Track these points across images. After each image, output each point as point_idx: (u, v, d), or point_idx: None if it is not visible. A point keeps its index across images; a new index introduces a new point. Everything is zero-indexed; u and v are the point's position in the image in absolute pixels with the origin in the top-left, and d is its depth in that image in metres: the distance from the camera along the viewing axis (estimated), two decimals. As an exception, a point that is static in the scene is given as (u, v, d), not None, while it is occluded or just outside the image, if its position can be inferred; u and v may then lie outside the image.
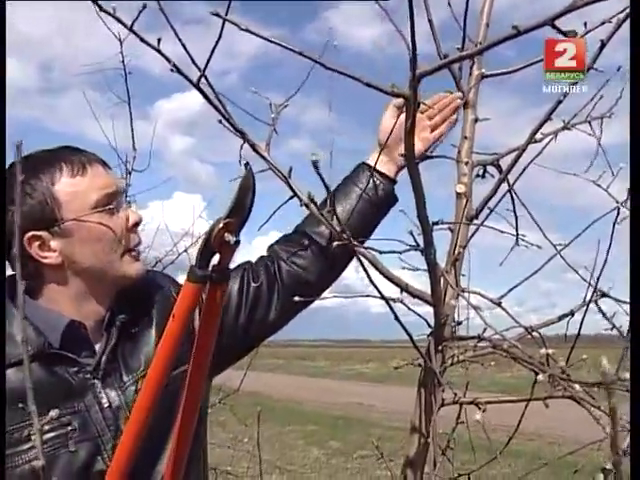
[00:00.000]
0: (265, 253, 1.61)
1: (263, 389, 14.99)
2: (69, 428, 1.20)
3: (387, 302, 1.21)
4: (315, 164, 1.07)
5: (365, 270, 1.26)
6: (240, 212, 1.06)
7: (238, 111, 1.42)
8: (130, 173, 2.92)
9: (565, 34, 0.82)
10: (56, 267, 1.27)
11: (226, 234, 1.03)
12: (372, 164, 1.58)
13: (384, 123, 1.58)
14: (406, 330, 1.29)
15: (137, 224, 1.35)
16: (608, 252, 1.47)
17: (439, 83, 1.61)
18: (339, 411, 15.73)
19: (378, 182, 1.57)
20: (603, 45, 1.35)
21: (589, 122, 1.85)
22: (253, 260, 1.60)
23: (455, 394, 1.50)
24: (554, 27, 0.81)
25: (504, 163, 1.59)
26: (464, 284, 1.56)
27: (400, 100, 1.41)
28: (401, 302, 1.25)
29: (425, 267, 1.31)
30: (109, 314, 1.32)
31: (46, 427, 1.16)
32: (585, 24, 1.21)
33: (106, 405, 1.25)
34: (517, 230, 1.82)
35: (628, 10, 1.25)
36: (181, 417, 1.18)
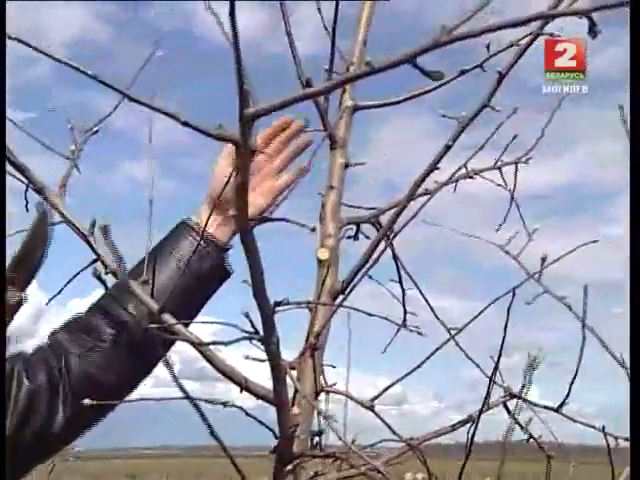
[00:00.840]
0: (47, 341, 1.58)
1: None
2: None
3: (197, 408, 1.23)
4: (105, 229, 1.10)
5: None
6: (27, 265, 1.09)
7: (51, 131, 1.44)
8: None
9: (429, 75, 0.90)
10: None
11: (9, 290, 1.05)
12: (198, 224, 1.60)
13: (217, 173, 1.60)
14: (223, 446, 1.31)
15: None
16: (503, 341, 1.55)
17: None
18: None
19: (205, 250, 1.57)
20: (502, 77, 1.48)
21: (499, 168, 2.00)
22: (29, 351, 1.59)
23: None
24: (415, 66, 0.89)
25: (385, 218, 1.67)
26: (337, 374, 1.61)
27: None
28: (233, 405, 1.28)
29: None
30: None
31: None
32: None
33: None
34: (404, 307, 1.90)
35: (531, 35, 1.40)
36: None
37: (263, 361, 1.42)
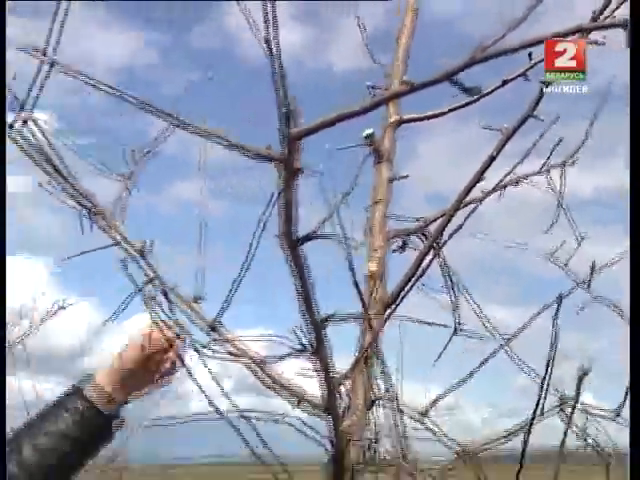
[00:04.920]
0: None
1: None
2: None
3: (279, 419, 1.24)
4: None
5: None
6: None
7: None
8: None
9: (467, 91, 0.91)
10: None
11: None
12: (89, 389, 1.61)
13: (130, 345, 1.61)
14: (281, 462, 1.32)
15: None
16: (555, 348, 1.53)
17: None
18: None
19: (90, 417, 1.59)
20: (545, 86, 1.47)
21: (547, 171, 1.98)
22: None
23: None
24: (454, 83, 0.90)
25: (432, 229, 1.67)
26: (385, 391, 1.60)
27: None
28: (285, 418, 1.29)
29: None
30: None
31: None
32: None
33: None
34: (456, 317, 1.88)
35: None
36: None
37: (312, 376, 1.44)
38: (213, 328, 1.40)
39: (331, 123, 1.00)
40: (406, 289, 1.59)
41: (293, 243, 1.08)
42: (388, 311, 1.60)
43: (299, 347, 1.23)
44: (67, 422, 1.56)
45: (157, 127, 1.68)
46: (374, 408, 1.58)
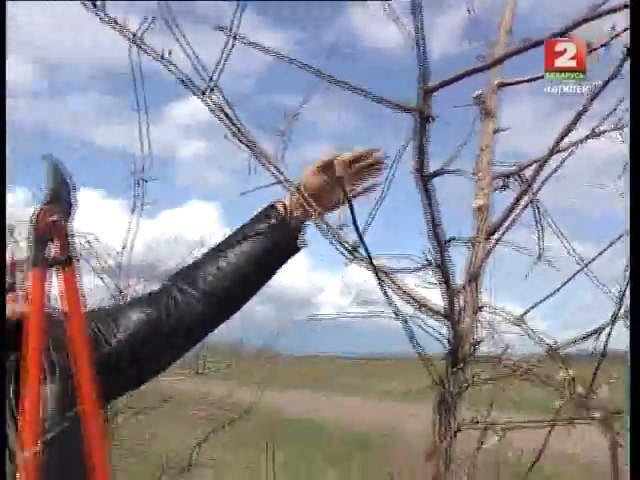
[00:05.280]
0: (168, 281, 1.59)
1: (279, 407, 14.96)
2: None
3: (403, 320, 1.22)
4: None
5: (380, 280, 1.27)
6: (54, 198, 1.16)
7: (253, 117, 1.44)
8: (143, 181, 2.95)
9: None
10: None
11: (48, 217, 1.13)
12: (281, 209, 1.55)
13: (306, 171, 1.54)
14: (419, 352, 1.30)
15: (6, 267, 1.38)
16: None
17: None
18: (361, 431, 15.66)
19: (284, 228, 1.54)
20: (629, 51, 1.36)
21: (621, 128, 1.87)
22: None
23: (474, 417, 1.50)
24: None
25: (527, 174, 1.61)
26: (485, 301, 1.57)
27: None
28: (414, 319, 1.26)
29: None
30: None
31: None
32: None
33: None
34: (541, 244, 1.83)
35: None
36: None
37: (432, 286, 1.40)
38: (354, 249, 1.37)
39: (460, 77, 0.95)
40: (506, 223, 1.55)
41: (425, 178, 1.04)
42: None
43: (427, 263, 1.20)
44: (257, 241, 1.53)
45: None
46: (480, 314, 1.55)
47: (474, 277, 1.49)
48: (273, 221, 1.54)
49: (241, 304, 1.60)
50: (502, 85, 1.62)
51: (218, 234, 3.44)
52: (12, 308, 1.22)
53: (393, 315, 1.30)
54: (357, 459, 11.88)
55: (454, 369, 1.39)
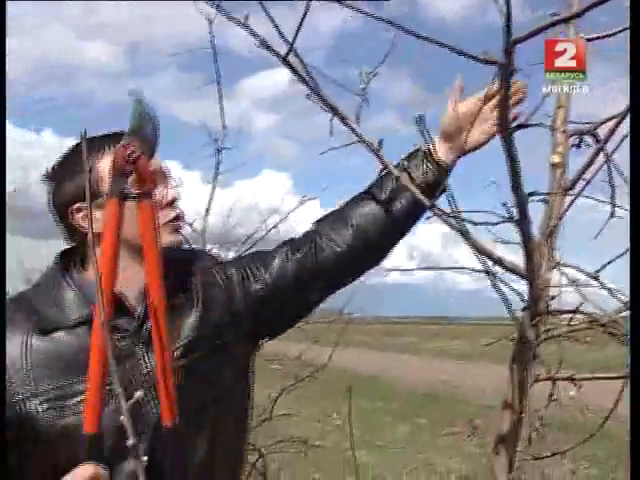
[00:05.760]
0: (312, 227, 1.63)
1: (350, 365, 15.08)
2: (108, 387, 1.26)
3: (487, 273, 1.19)
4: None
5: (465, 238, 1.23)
6: (137, 132, 1.15)
7: (325, 87, 1.42)
8: (220, 151, 2.97)
9: None
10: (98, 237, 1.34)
11: (127, 151, 1.12)
12: (430, 149, 1.57)
13: (448, 110, 1.55)
14: (505, 301, 1.26)
15: (173, 201, 1.42)
16: None
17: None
18: (426, 388, 15.68)
19: (434, 170, 1.54)
20: None
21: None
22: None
23: (550, 370, 1.46)
24: None
25: (602, 132, 1.54)
26: (559, 258, 1.52)
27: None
28: (494, 275, 1.22)
29: (516, 241, 1.28)
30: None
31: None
32: None
33: (146, 370, 1.30)
34: (613, 202, 1.75)
35: None
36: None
37: (508, 243, 1.35)
38: (433, 205, 1.33)
39: (542, 29, 0.90)
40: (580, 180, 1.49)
41: (507, 131, 0.99)
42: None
43: (507, 217, 1.16)
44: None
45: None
46: (556, 270, 1.50)
47: (551, 233, 1.44)
48: (420, 162, 1.54)
49: (386, 251, 1.61)
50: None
51: (290, 202, 3.47)
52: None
53: (473, 271, 1.27)
54: (423, 414, 11.92)
55: (532, 322, 1.35)
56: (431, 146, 1.56)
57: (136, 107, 1.15)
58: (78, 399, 1.24)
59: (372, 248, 1.57)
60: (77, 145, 1.42)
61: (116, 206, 1.12)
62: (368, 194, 1.57)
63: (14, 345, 1.29)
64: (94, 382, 1.09)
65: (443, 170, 1.55)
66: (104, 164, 1.34)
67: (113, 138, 1.37)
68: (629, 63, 1.10)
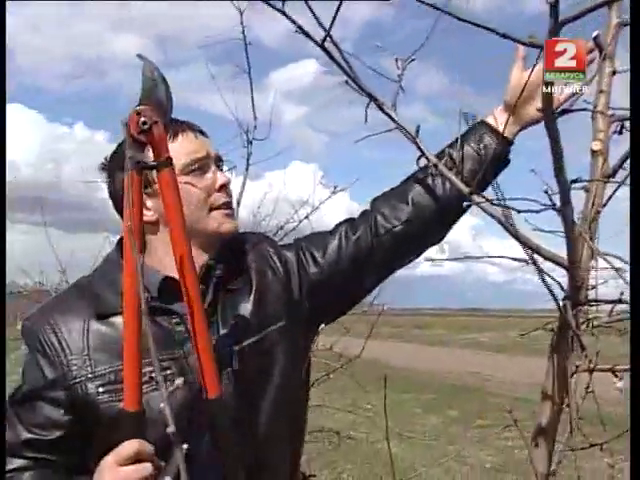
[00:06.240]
0: (368, 207, 1.61)
1: (381, 357, 15.06)
2: (167, 372, 1.29)
3: (529, 261, 1.16)
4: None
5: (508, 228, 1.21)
6: (149, 98, 1.12)
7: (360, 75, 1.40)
8: (251, 142, 2.97)
9: None
10: (153, 224, 1.39)
11: (141, 119, 1.08)
12: (491, 123, 1.54)
13: (512, 82, 1.51)
14: (549, 288, 1.24)
15: (224, 185, 1.42)
16: None
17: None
18: (456, 380, 15.61)
19: (494, 144, 1.51)
20: None
21: None
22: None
23: (590, 360, 1.43)
24: None
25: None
26: (599, 247, 1.49)
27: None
28: (535, 263, 1.20)
29: (556, 229, 1.26)
30: (204, 269, 1.39)
31: (147, 369, 1.24)
32: None
33: None
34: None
35: None
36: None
37: (549, 232, 1.33)
38: (471, 193, 1.31)
39: (590, 10, 0.87)
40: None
41: (552, 116, 0.97)
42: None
43: (549, 205, 1.13)
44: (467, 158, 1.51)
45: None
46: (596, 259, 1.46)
47: (592, 222, 1.41)
48: (480, 135, 1.53)
49: (444, 229, 1.60)
50: (624, 25, 1.50)
51: (318, 194, 3.47)
52: None
53: (511, 259, 1.24)
54: (454, 406, 11.87)
55: (574, 312, 1.32)
56: (492, 118, 1.54)
57: (146, 71, 1.13)
58: None
59: (430, 225, 1.55)
60: None
61: (134, 178, 1.09)
62: (425, 172, 1.55)
63: (75, 328, 1.32)
64: (131, 361, 1.10)
65: (505, 142, 1.53)
66: None
67: (173, 126, 1.38)
68: (629, 61, 1.09)
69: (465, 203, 1.30)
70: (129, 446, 1.09)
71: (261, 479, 1.36)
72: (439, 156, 1.49)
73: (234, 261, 1.44)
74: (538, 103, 1.44)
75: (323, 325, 1.54)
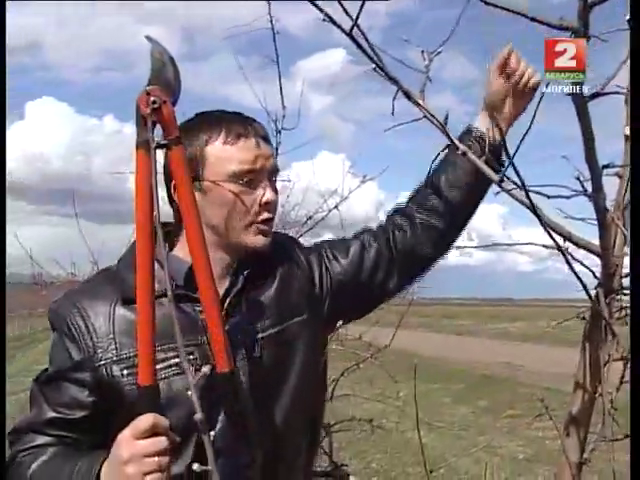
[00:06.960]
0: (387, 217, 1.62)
1: (410, 347, 15.01)
2: (191, 357, 1.29)
3: (559, 248, 1.14)
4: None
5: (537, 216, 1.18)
6: (158, 78, 1.12)
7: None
8: (280, 132, 2.95)
9: None
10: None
11: (151, 99, 1.09)
12: (478, 126, 1.52)
13: (489, 83, 1.47)
14: (577, 276, 1.21)
15: (269, 203, 1.39)
16: None
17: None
18: (486, 370, 15.53)
19: (481, 147, 1.46)
20: None
21: None
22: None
23: (624, 349, 1.41)
24: None
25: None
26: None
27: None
28: (565, 251, 1.18)
29: (588, 217, 1.23)
30: (236, 264, 1.40)
31: (170, 354, 1.28)
32: None
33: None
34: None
35: None
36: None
37: (581, 220, 1.30)
38: (502, 180, 1.29)
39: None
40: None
41: (583, 100, 0.95)
42: None
43: (580, 190, 1.11)
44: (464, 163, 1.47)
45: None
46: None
47: (625, 208, 1.38)
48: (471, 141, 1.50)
49: (452, 236, 1.60)
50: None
51: (346, 183, 3.45)
52: None
53: (541, 247, 1.22)
54: (484, 396, 11.81)
55: (607, 300, 1.30)
56: (477, 122, 1.52)
57: (154, 52, 1.13)
58: (157, 367, 1.26)
59: (446, 232, 1.55)
60: (186, 122, 1.39)
61: (143, 157, 1.10)
62: (436, 173, 1.55)
63: (101, 312, 1.34)
64: (144, 335, 1.12)
65: (492, 144, 1.47)
66: (211, 150, 1.34)
67: (229, 121, 1.37)
68: (629, 60, 1.07)
69: (495, 190, 1.28)
70: (145, 420, 1.10)
71: (276, 470, 1.37)
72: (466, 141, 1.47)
73: (262, 260, 1.44)
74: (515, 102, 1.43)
75: (340, 322, 1.55)
